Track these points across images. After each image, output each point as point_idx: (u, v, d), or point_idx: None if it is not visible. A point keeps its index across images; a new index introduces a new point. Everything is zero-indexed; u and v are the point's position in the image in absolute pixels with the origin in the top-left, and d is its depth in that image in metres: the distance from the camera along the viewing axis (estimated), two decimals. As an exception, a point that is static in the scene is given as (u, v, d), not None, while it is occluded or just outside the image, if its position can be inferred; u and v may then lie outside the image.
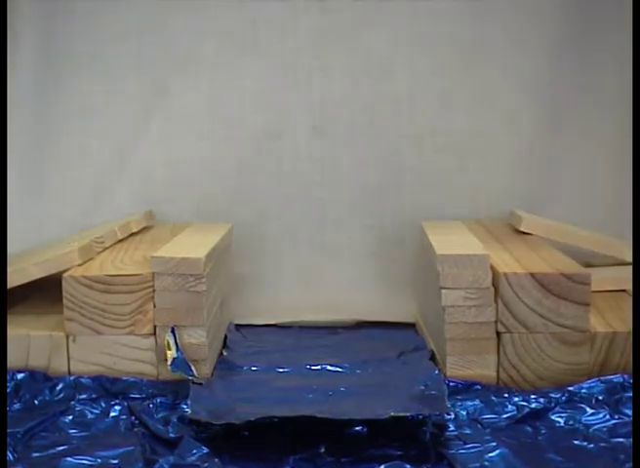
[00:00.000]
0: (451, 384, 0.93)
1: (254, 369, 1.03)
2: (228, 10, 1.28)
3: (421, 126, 1.30)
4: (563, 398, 0.90)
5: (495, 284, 0.96)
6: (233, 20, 1.29)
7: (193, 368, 0.96)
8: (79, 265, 1.03)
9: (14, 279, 1.03)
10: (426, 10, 1.28)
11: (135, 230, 1.23)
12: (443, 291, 0.96)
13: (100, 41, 1.28)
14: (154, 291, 0.98)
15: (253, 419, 0.83)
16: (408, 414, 0.84)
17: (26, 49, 1.26)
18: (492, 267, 0.97)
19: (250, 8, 1.28)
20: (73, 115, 1.29)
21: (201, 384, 0.94)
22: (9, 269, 1.03)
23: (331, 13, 1.28)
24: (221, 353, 1.08)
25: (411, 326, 1.21)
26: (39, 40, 1.27)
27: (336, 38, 1.29)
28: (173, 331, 0.97)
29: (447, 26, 1.28)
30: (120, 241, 1.18)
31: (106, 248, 1.13)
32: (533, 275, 0.95)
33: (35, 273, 1.04)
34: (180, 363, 0.96)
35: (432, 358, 1.04)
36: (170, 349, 0.96)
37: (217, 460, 0.79)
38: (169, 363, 0.95)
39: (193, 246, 1.05)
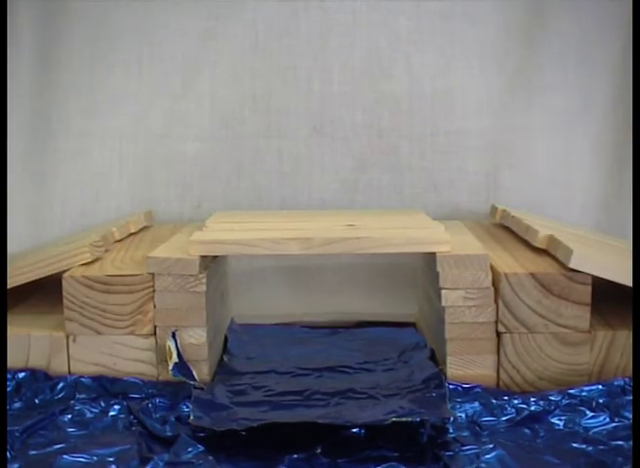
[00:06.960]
0: (451, 387, 0.93)
1: (254, 372, 1.03)
2: (228, 10, 1.28)
3: (421, 126, 1.30)
4: (563, 401, 0.90)
5: (495, 284, 0.96)
6: (233, 21, 1.29)
7: (195, 373, 0.96)
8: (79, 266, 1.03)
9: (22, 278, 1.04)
10: (426, 9, 1.28)
11: (134, 230, 1.23)
12: (443, 291, 0.96)
13: (100, 41, 1.28)
14: (154, 291, 0.97)
15: (255, 426, 0.82)
16: (409, 419, 0.83)
17: (26, 49, 1.26)
18: (492, 267, 0.97)
19: (250, 8, 1.28)
20: (73, 115, 1.29)
21: (202, 389, 0.93)
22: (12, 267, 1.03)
23: (331, 13, 1.28)
24: (222, 358, 1.08)
25: (411, 326, 1.21)
26: (39, 40, 1.27)
27: (336, 38, 1.29)
28: (174, 336, 0.97)
29: (447, 26, 1.28)
30: (120, 241, 1.18)
31: (107, 250, 1.13)
32: (533, 275, 0.95)
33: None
34: (182, 368, 0.95)
35: (432, 358, 1.04)
36: (171, 355, 0.96)
37: (211, 458, 0.79)
38: (170, 368, 0.95)
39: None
